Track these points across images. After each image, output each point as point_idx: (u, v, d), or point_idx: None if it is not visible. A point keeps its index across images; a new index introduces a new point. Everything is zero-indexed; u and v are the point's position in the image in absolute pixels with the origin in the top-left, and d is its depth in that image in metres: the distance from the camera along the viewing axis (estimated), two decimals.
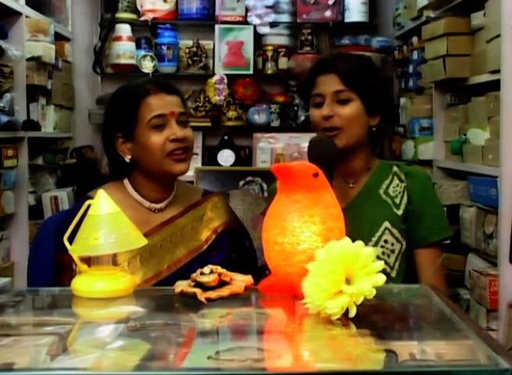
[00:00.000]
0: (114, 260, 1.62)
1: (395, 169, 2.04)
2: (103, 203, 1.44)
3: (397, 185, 2.00)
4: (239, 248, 1.94)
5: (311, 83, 1.99)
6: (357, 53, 2.24)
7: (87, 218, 1.44)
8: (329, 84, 1.95)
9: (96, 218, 1.43)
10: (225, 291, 1.38)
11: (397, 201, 1.98)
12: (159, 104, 1.80)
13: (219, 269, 1.41)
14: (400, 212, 1.96)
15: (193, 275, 1.39)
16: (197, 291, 1.36)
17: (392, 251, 1.93)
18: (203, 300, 1.34)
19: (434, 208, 2.01)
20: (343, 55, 2.07)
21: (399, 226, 1.95)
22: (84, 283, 1.42)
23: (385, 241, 1.93)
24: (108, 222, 1.43)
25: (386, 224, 1.94)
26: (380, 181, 2.01)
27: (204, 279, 1.38)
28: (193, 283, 1.39)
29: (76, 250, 1.43)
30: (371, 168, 2.04)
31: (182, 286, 1.39)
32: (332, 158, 1.77)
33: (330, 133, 1.93)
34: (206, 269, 1.39)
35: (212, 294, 1.36)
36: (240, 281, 1.42)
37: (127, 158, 1.84)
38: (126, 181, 1.88)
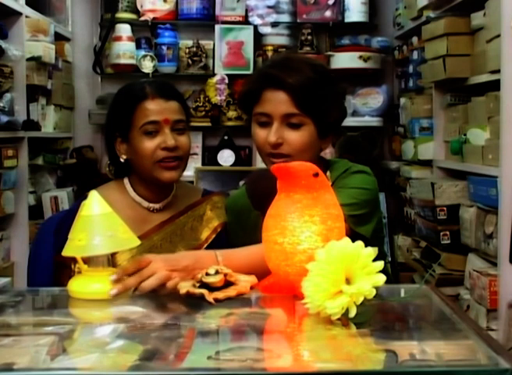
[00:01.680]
0: (113, 260, 1.62)
1: (328, 174, 1.78)
2: (95, 203, 1.44)
3: None
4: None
5: (255, 96, 1.72)
6: (306, 60, 1.79)
7: (79, 218, 1.44)
8: (279, 105, 1.68)
9: (88, 218, 1.42)
10: (232, 292, 1.37)
11: None
12: (154, 110, 1.77)
13: (225, 269, 1.40)
14: None
15: (199, 275, 1.39)
16: (205, 291, 1.35)
17: None
18: (211, 301, 1.33)
19: (339, 191, 1.63)
20: (294, 67, 1.71)
21: None
22: (80, 284, 1.42)
23: None
24: (100, 222, 1.42)
25: None
26: None
27: (211, 279, 1.37)
28: (198, 284, 1.39)
29: (67, 251, 1.42)
30: None
31: (187, 287, 1.39)
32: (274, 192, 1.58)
33: (275, 159, 1.70)
34: (211, 270, 1.39)
35: (220, 295, 1.35)
36: (245, 281, 1.42)
37: (122, 158, 1.83)
38: (126, 181, 1.88)
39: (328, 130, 1.76)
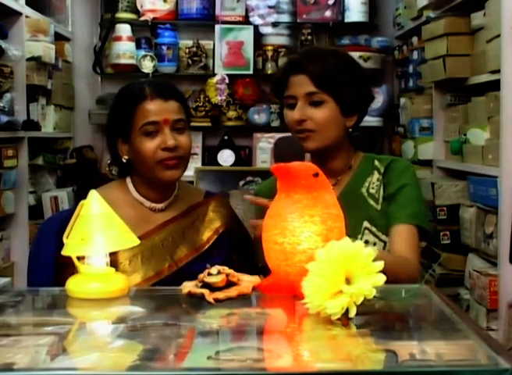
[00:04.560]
0: (115, 259, 1.61)
1: (376, 163, 1.95)
2: (95, 203, 1.44)
3: (377, 179, 1.92)
4: (239, 249, 1.94)
5: (283, 83, 1.91)
6: (331, 48, 2.10)
7: (79, 218, 1.44)
8: (301, 86, 1.86)
9: (87, 218, 1.42)
10: (233, 292, 1.37)
11: (376, 195, 1.90)
12: (154, 110, 1.77)
13: (227, 269, 1.40)
14: (379, 207, 1.89)
15: (201, 275, 1.39)
16: (205, 291, 1.35)
17: None
18: (211, 301, 1.33)
19: (407, 192, 1.89)
20: (314, 54, 1.93)
21: (379, 222, 1.87)
22: (78, 284, 1.42)
23: (366, 242, 1.83)
24: (100, 222, 1.42)
25: (366, 224, 1.86)
26: (363, 179, 1.92)
27: (212, 279, 1.37)
28: (200, 284, 1.39)
29: (66, 250, 1.43)
30: (353, 166, 1.95)
31: (189, 287, 1.39)
32: (298, 159, 1.73)
33: (302, 134, 1.87)
34: (213, 270, 1.39)
35: (220, 295, 1.35)
36: (248, 282, 1.42)
37: (124, 158, 1.84)
38: (128, 180, 1.88)
39: (350, 107, 1.88)
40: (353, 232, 1.73)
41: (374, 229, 1.87)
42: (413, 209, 1.87)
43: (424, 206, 1.95)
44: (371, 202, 1.90)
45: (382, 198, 1.90)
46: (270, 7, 4.09)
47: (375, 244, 1.85)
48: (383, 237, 1.87)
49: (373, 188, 1.91)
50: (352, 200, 1.87)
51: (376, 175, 1.93)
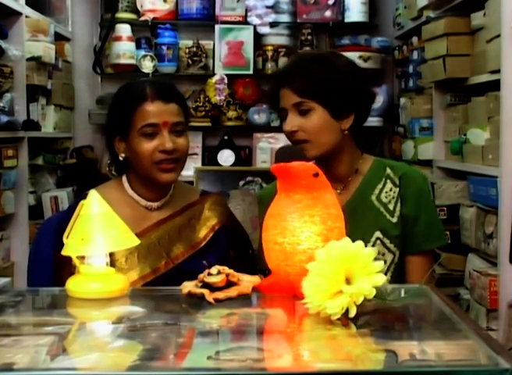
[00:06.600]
0: (111, 256, 1.61)
1: (388, 171, 1.92)
2: (94, 203, 1.44)
3: (390, 189, 1.90)
4: (236, 246, 1.95)
5: (275, 96, 1.92)
6: (319, 53, 2.11)
7: (79, 218, 1.44)
8: (287, 98, 1.87)
9: (87, 218, 1.42)
10: (233, 292, 1.37)
11: (390, 207, 1.88)
12: (153, 112, 1.78)
13: (227, 269, 1.40)
14: (394, 220, 1.87)
15: (201, 275, 1.39)
16: (205, 291, 1.35)
17: (384, 262, 1.80)
18: (211, 301, 1.34)
19: (429, 214, 1.92)
20: (297, 64, 1.91)
21: (392, 234, 1.86)
22: (78, 284, 1.42)
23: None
24: (100, 222, 1.42)
25: (378, 234, 1.86)
26: (373, 186, 1.90)
27: (212, 279, 1.37)
28: (200, 284, 1.39)
29: (66, 250, 1.43)
30: (361, 169, 1.93)
31: (189, 287, 1.39)
32: None
33: (298, 145, 1.85)
34: (213, 270, 1.39)
35: (220, 295, 1.35)
36: (248, 282, 1.42)
37: (121, 156, 1.84)
38: (124, 179, 1.89)
39: (341, 109, 1.86)
40: (361, 240, 1.69)
41: (386, 240, 1.86)
42: (433, 232, 1.91)
43: (439, 219, 2.00)
44: (385, 213, 1.88)
45: (399, 212, 1.88)
46: (268, 7, 4.09)
47: (383, 254, 1.85)
48: (394, 249, 1.87)
49: (386, 197, 1.89)
50: (362, 207, 1.87)
51: (389, 184, 1.91)
